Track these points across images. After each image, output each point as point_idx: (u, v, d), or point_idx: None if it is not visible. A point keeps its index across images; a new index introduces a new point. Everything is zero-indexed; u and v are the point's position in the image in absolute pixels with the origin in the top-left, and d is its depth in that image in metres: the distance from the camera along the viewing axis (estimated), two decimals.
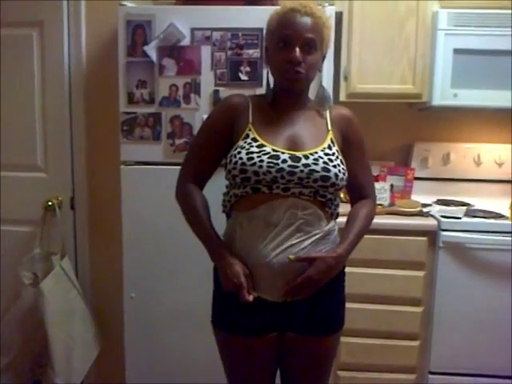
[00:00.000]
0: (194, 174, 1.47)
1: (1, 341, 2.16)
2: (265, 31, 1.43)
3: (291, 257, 1.29)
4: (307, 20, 1.32)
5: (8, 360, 2.17)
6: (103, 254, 2.35)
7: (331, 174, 1.32)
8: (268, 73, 1.45)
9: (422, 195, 2.41)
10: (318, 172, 1.31)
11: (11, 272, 2.21)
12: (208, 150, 1.45)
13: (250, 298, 1.30)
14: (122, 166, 2.05)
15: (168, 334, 2.12)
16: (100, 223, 2.35)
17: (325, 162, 1.32)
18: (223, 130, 1.42)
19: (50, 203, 2.25)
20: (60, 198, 2.29)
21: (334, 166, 1.33)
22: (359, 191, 1.48)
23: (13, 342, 2.16)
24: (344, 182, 1.37)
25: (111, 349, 2.33)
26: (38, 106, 2.26)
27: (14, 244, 2.31)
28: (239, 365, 1.47)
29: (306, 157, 1.33)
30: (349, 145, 1.44)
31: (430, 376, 2.14)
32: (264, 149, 1.33)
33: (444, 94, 2.24)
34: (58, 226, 2.26)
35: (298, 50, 1.31)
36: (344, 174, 1.37)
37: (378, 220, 2.08)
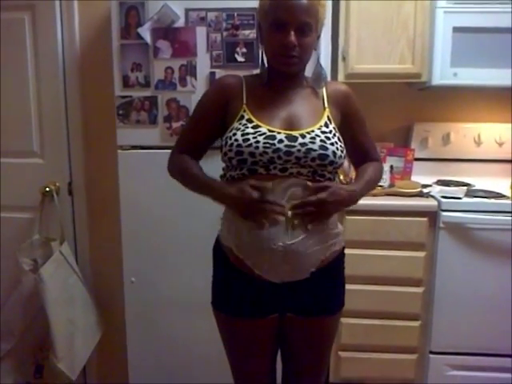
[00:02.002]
0: (188, 148, 1.46)
1: (2, 327, 2.17)
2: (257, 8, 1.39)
3: (309, 183, 1.29)
4: (303, 2, 1.28)
5: (10, 346, 2.18)
6: (102, 238, 2.35)
7: (329, 152, 1.30)
8: (262, 52, 1.42)
9: (422, 176, 2.39)
10: (315, 151, 1.29)
11: (11, 258, 2.20)
12: (202, 125, 1.44)
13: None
14: (119, 151, 2.03)
15: (169, 317, 2.13)
16: (98, 208, 2.35)
17: (322, 141, 1.31)
18: (216, 109, 1.41)
19: (47, 189, 2.24)
20: (57, 184, 2.28)
21: (332, 144, 1.32)
22: (366, 158, 1.50)
23: (14, 328, 2.18)
24: (342, 160, 1.37)
25: (112, 333, 2.34)
26: (32, 91, 2.24)
27: (12, 230, 2.31)
28: (240, 346, 1.47)
29: (303, 136, 1.31)
30: (349, 118, 1.44)
31: (431, 356, 2.15)
32: (259, 129, 1.31)
33: (444, 73, 2.21)
34: (56, 211, 2.25)
35: (292, 33, 1.28)
36: (342, 151, 1.35)
37: (378, 201, 2.09)
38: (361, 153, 1.50)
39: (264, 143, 1.29)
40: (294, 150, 1.29)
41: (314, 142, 1.30)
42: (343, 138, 1.40)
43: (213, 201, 1.37)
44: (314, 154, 1.29)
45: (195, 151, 1.47)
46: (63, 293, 2.16)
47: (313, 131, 1.33)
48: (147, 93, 1.98)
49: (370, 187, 1.45)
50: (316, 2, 1.31)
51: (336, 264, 1.41)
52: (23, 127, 2.26)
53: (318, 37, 1.40)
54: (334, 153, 1.31)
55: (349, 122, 1.44)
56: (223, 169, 1.43)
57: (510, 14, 2.14)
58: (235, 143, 1.31)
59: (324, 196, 1.27)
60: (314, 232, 1.32)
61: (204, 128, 1.44)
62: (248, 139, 1.30)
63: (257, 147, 1.29)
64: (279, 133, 1.31)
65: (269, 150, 1.29)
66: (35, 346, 2.22)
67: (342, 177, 2.14)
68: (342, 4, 2.22)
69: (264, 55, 1.41)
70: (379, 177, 1.51)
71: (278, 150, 1.29)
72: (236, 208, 1.33)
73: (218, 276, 1.46)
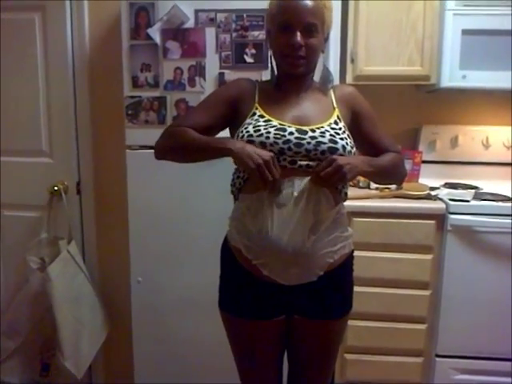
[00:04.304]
0: (190, 124, 1.40)
1: (10, 325, 2.18)
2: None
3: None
4: (307, 3, 1.31)
5: (17, 344, 2.19)
6: (110, 238, 2.36)
7: (338, 146, 1.31)
8: (271, 57, 1.44)
9: (429, 178, 2.38)
10: (325, 144, 1.30)
11: (19, 257, 2.22)
12: (211, 111, 1.42)
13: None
14: (128, 151, 2.04)
15: (175, 317, 2.13)
16: (106, 208, 2.36)
17: (331, 135, 1.32)
18: (229, 102, 1.41)
19: (55, 188, 2.26)
20: (66, 183, 2.30)
21: (342, 139, 1.33)
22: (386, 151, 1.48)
23: (22, 327, 2.19)
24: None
25: (119, 332, 2.35)
26: (41, 91, 2.25)
27: (20, 229, 2.32)
28: (247, 347, 1.47)
29: (313, 130, 1.33)
30: (361, 116, 1.45)
31: (437, 359, 2.14)
32: (271, 122, 1.33)
33: (452, 75, 2.20)
34: (64, 210, 2.26)
35: (298, 34, 1.31)
36: (352, 147, 1.36)
37: (386, 203, 2.08)
38: (380, 149, 1.47)
39: (275, 134, 1.30)
40: (304, 142, 1.30)
41: (323, 136, 1.31)
42: (359, 138, 1.42)
43: (218, 150, 1.32)
44: (323, 146, 1.30)
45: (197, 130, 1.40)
46: (70, 292, 2.18)
47: (322, 127, 1.34)
48: (156, 93, 1.99)
49: (384, 167, 1.42)
50: (321, 4, 1.34)
51: (345, 267, 1.41)
52: (32, 126, 2.28)
53: (326, 39, 1.41)
54: (343, 147, 1.32)
55: (361, 120, 1.45)
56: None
57: None
58: (246, 134, 1.32)
59: (335, 157, 1.27)
60: (324, 235, 1.32)
61: (212, 114, 1.42)
62: (259, 130, 1.31)
63: (267, 137, 1.30)
64: (290, 126, 1.33)
65: (279, 141, 1.30)
66: (42, 344, 2.23)
67: None
68: (351, 6, 2.22)
69: (273, 60, 1.43)
70: (397, 164, 1.48)
71: (289, 141, 1.30)
72: (245, 162, 1.26)
73: (226, 277, 1.46)
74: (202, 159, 1.40)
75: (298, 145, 1.30)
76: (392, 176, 1.52)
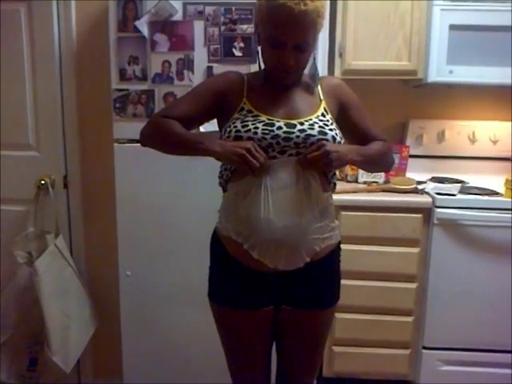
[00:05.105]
0: (175, 117, 1.38)
1: None
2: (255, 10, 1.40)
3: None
4: (301, 19, 1.24)
5: (5, 339, 2.17)
6: (98, 232, 2.35)
7: (328, 137, 1.32)
8: (259, 53, 1.40)
9: (416, 173, 2.40)
10: (314, 136, 1.31)
11: (5, 251, 2.20)
12: (198, 101, 1.41)
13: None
14: (115, 144, 2.03)
15: (164, 311, 2.13)
16: (94, 201, 2.34)
17: (320, 127, 1.33)
18: (216, 95, 1.40)
19: (42, 182, 2.23)
20: (53, 177, 2.27)
21: (331, 130, 1.34)
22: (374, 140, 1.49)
23: (9, 321, 2.17)
24: None
25: (107, 327, 2.34)
26: (28, 84, 2.22)
27: (7, 223, 2.30)
28: (236, 338, 1.48)
29: (301, 123, 1.33)
30: (347, 106, 1.45)
31: (424, 351, 2.17)
32: (259, 117, 1.33)
33: (439, 70, 2.22)
34: (51, 204, 2.24)
35: (290, 52, 1.28)
36: (341, 138, 1.37)
37: (373, 197, 2.10)
38: (367, 138, 1.47)
39: (263, 129, 1.30)
40: (292, 136, 1.31)
41: (312, 128, 1.32)
42: (347, 128, 1.43)
43: (200, 151, 1.33)
44: (313, 139, 1.31)
45: (181, 123, 1.39)
46: (58, 286, 2.16)
47: (311, 119, 1.35)
48: (144, 86, 1.98)
49: (370, 155, 1.42)
50: (315, 15, 1.26)
51: (332, 257, 1.42)
52: (19, 120, 2.25)
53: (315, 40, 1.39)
54: (333, 137, 1.33)
55: (348, 111, 1.45)
56: None
57: (506, 13, 2.16)
58: (234, 129, 1.32)
59: (324, 142, 1.29)
60: (314, 220, 1.33)
61: (199, 107, 1.41)
62: (247, 125, 1.32)
63: (255, 133, 1.30)
64: (278, 121, 1.33)
65: (267, 136, 1.30)
66: (29, 339, 2.21)
67: (337, 172, 2.15)
68: (340, 0, 2.22)
69: (261, 56, 1.40)
70: (385, 152, 1.48)
71: (277, 136, 1.30)
72: (230, 159, 1.30)
73: (215, 268, 1.47)
74: (184, 155, 1.42)
75: (287, 139, 1.30)
76: (380, 164, 1.53)
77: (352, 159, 1.36)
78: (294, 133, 1.31)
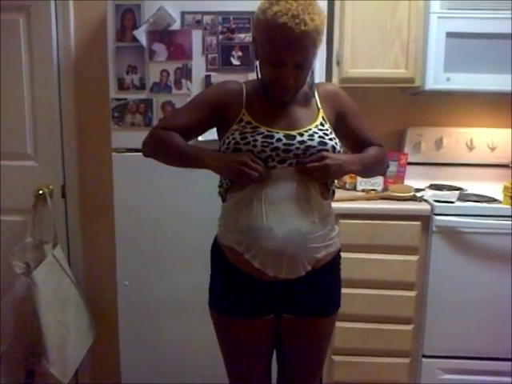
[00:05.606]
0: (174, 129, 1.39)
1: None
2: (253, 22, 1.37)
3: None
4: (302, 40, 1.22)
5: (2, 350, 2.16)
6: (96, 242, 2.34)
7: (328, 147, 1.32)
8: (257, 67, 1.38)
9: (415, 180, 2.40)
10: (314, 147, 1.31)
11: (3, 262, 2.19)
12: (197, 112, 1.41)
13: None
14: (114, 153, 2.03)
15: (162, 321, 2.12)
16: (92, 211, 2.34)
17: (320, 137, 1.33)
18: (215, 105, 1.40)
19: (40, 192, 2.23)
20: (51, 187, 2.28)
21: (330, 139, 1.34)
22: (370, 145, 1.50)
23: (6, 332, 2.16)
24: None
25: (105, 337, 2.33)
26: (26, 93, 2.23)
27: (5, 233, 2.29)
28: (236, 346, 1.47)
29: (301, 134, 1.33)
30: (346, 115, 1.46)
31: (424, 360, 2.15)
32: (258, 129, 1.33)
33: (437, 78, 2.23)
34: (49, 214, 2.24)
35: (289, 72, 1.27)
36: (341, 147, 1.38)
37: (372, 205, 2.09)
38: (364, 144, 1.48)
39: (262, 142, 1.30)
40: (292, 147, 1.30)
41: (312, 139, 1.32)
42: (344, 135, 1.44)
43: (198, 166, 1.36)
44: (313, 150, 1.31)
45: (180, 134, 1.40)
46: (56, 296, 2.15)
47: (310, 129, 1.34)
48: (142, 95, 1.98)
49: (368, 163, 1.43)
50: (315, 33, 1.24)
51: (332, 265, 1.42)
52: (17, 129, 2.25)
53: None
54: (333, 147, 1.33)
55: (345, 117, 1.45)
56: None
57: (502, 20, 2.17)
58: (233, 141, 1.32)
59: (326, 154, 1.30)
60: (315, 228, 1.33)
61: (197, 118, 1.41)
62: (246, 137, 1.31)
63: (255, 145, 1.30)
64: (278, 132, 1.32)
65: (267, 149, 1.30)
66: (27, 350, 2.20)
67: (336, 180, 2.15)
68: (337, 9, 2.23)
69: (259, 68, 1.38)
70: (381, 158, 1.50)
71: (277, 148, 1.30)
72: (228, 170, 1.32)
73: (216, 276, 1.46)
74: (184, 167, 1.43)
75: (287, 151, 1.30)
76: (376, 170, 1.55)
77: (352, 170, 1.38)
78: (293, 144, 1.30)
